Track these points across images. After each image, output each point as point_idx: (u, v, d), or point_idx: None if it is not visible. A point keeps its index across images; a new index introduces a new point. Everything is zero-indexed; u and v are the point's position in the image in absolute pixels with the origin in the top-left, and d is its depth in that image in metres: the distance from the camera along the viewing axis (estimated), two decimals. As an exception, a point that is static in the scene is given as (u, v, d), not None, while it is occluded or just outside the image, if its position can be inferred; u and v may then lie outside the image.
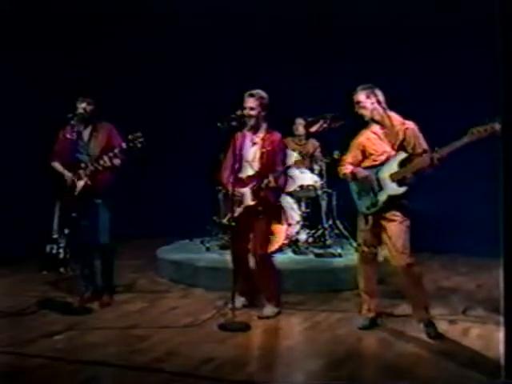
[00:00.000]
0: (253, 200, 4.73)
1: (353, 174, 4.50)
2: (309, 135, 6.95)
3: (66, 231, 5.06)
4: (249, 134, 4.86)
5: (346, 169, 4.57)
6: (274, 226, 6.15)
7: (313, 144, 6.95)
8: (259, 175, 4.73)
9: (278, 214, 5.28)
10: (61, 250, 5.03)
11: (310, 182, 6.56)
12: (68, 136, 5.06)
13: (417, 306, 4.37)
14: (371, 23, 7.15)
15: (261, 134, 4.81)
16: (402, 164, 4.28)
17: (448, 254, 6.70)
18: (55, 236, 5.04)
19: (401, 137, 4.33)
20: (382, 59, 6.95)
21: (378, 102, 4.36)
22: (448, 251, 6.67)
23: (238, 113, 4.69)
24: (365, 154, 4.49)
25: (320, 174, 6.67)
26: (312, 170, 6.69)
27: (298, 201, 6.60)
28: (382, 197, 4.33)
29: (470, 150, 6.15)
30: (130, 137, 4.89)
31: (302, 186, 6.54)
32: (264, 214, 4.80)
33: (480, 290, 5.71)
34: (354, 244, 6.17)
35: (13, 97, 6.76)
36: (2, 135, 6.63)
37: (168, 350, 4.08)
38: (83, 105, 5.06)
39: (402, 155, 4.29)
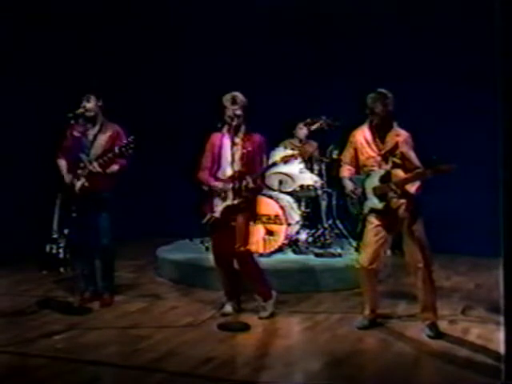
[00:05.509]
0: (234, 199, 4.75)
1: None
2: (308, 136, 6.95)
3: (66, 231, 5.05)
4: (228, 135, 4.86)
5: (344, 171, 4.63)
6: (274, 226, 6.21)
7: (311, 145, 6.95)
8: (240, 174, 4.75)
9: (255, 210, 5.11)
10: (61, 250, 5.02)
11: (310, 182, 6.57)
12: (75, 134, 5.07)
13: (426, 307, 4.37)
14: (372, 24, 7.15)
15: (241, 135, 4.83)
16: (383, 179, 4.33)
17: (448, 254, 6.69)
18: (55, 236, 5.03)
19: (389, 146, 4.36)
20: (385, 61, 6.94)
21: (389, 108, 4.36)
22: (448, 251, 6.66)
23: (238, 112, 4.73)
24: (357, 154, 4.53)
25: (320, 174, 6.68)
26: (312, 170, 6.70)
27: (298, 201, 6.60)
28: (366, 207, 4.43)
29: (470, 150, 6.15)
30: (123, 142, 4.90)
31: (301, 186, 6.55)
32: (243, 211, 4.80)
33: (480, 289, 5.71)
34: (354, 244, 6.19)
35: (13, 96, 6.76)
36: (2, 135, 6.63)
37: (168, 350, 4.09)
38: (83, 103, 5.05)
39: (382, 172, 4.35)
